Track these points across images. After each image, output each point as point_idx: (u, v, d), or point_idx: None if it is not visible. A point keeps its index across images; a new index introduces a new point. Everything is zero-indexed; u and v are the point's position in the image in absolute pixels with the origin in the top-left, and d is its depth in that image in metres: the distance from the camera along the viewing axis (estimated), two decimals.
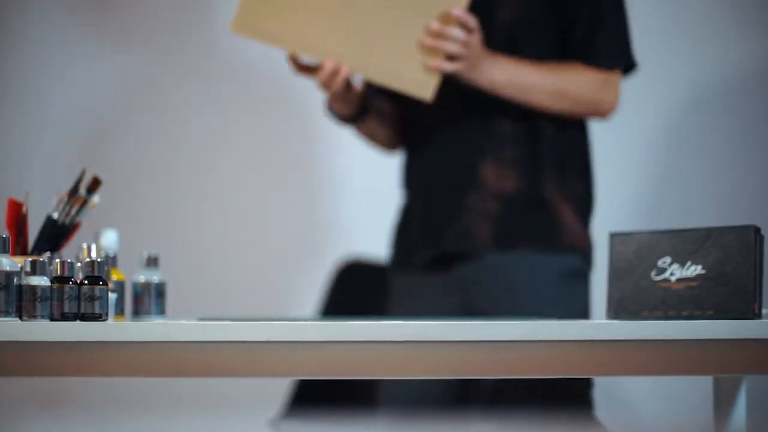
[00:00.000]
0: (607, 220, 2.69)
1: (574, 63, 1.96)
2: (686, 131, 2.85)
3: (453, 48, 1.86)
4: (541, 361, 1.27)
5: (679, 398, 2.75)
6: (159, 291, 1.65)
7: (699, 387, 2.61)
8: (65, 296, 1.31)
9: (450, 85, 1.90)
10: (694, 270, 1.46)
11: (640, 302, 1.51)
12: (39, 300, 1.30)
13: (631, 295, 1.52)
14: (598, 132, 2.81)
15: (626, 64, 2.01)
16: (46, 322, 1.29)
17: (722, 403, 1.63)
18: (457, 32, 1.86)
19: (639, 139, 2.84)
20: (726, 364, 1.30)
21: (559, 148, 1.97)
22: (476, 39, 1.88)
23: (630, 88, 2.83)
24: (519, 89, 1.92)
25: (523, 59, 1.93)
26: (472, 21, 1.87)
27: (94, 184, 1.57)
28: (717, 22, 2.85)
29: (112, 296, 1.56)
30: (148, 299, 1.65)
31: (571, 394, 1.95)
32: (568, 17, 1.97)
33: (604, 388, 2.76)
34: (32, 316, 1.30)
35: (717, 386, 1.63)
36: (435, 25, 1.86)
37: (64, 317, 1.31)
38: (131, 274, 1.67)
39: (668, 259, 1.49)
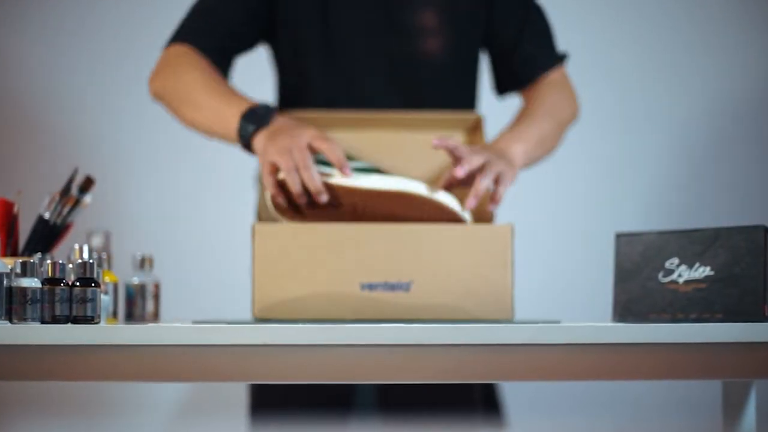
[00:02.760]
0: (613, 221, 2.69)
1: (534, 92, 1.97)
2: (692, 130, 2.85)
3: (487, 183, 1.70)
4: (544, 366, 1.27)
5: (687, 403, 2.75)
6: (153, 293, 1.65)
7: (707, 391, 2.61)
8: (56, 298, 1.31)
9: None
10: (702, 271, 1.46)
11: (646, 304, 1.50)
12: (29, 302, 1.29)
13: (638, 297, 1.51)
14: (603, 132, 2.81)
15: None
16: (37, 325, 1.28)
17: (731, 407, 1.62)
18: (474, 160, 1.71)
19: (643, 139, 2.84)
20: (735, 368, 1.29)
21: None
22: (485, 150, 1.74)
23: (636, 89, 2.84)
24: (538, 146, 1.88)
25: (515, 127, 1.89)
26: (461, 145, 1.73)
27: (87, 184, 1.57)
28: (728, 26, 2.85)
29: (105, 298, 1.55)
30: (142, 301, 1.65)
31: (476, 396, 1.95)
32: (504, 33, 1.97)
33: (611, 393, 2.76)
34: (22, 319, 1.29)
35: (726, 391, 1.63)
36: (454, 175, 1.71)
37: (56, 320, 1.31)
38: (124, 275, 1.67)
39: (676, 261, 1.49)
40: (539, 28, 2.00)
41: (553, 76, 1.98)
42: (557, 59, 1.99)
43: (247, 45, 1.96)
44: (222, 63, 1.91)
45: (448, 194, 1.68)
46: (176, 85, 1.85)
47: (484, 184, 1.68)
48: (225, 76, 1.92)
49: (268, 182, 1.66)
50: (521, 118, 1.91)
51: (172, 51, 1.89)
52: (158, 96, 1.89)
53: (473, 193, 1.67)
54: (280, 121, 1.74)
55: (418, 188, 1.65)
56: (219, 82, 1.83)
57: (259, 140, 1.72)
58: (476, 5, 1.96)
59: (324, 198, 1.62)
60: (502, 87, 2.02)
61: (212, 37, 1.90)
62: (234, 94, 1.80)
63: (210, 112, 1.80)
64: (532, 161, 1.88)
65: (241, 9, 1.92)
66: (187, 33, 1.90)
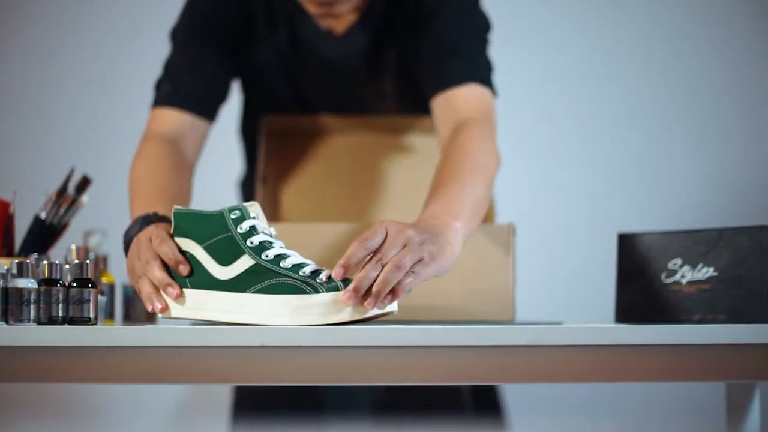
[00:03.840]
0: (615, 221, 2.69)
1: (454, 132, 1.69)
2: (697, 130, 2.85)
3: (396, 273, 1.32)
4: (545, 367, 1.27)
5: (691, 405, 2.74)
6: None
7: (711, 393, 2.61)
8: (53, 299, 1.31)
9: None
10: (706, 272, 1.46)
11: (649, 306, 1.50)
12: (26, 303, 1.29)
13: (641, 298, 1.51)
14: (606, 132, 2.81)
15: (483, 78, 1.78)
16: (33, 326, 1.28)
17: (735, 409, 1.62)
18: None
19: (646, 139, 2.84)
20: (739, 370, 1.29)
21: None
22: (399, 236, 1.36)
23: (640, 88, 2.84)
24: (473, 215, 1.52)
25: (443, 194, 1.53)
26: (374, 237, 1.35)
27: (84, 184, 1.57)
28: (731, 25, 2.85)
29: (102, 299, 1.55)
30: (139, 302, 1.64)
31: (477, 398, 1.95)
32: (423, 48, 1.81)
33: (613, 395, 2.76)
34: (18, 320, 1.29)
35: (729, 392, 1.63)
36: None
37: (52, 321, 1.31)
38: (121, 276, 1.67)
39: (679, 261, 1.48)
40: (456, 38, 1.79)
41: (470, 100, 1.73)
42: (473, 77, 1.74)
43: (227, 94, 1.92)
44: (208, 115, 1.85)
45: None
46: (131, 173, 1.74)
47: (367, 276, 1.31)
48: (212, 122, 1.86)
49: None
50: (447, 178, 1.57)
51: (152, 124, 1.84)
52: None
53: (352, 285, 1.31)
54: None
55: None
56: (150, 183, 1.70)
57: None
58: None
59: (160, 307, 1.39)
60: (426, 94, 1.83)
61: (196, 97, 1.83)
62: (148, 200, 1.62)
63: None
64: (468, 237, 1.50)
65: (215, 66, 1.88)
66: (171, 97, 1.83)
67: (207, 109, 1.85)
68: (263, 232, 1.32)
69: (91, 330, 1.26)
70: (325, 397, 1.94)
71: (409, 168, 1.88)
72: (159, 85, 1.87)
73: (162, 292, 1.37)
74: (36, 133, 2.77)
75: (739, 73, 2.84)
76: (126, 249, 1.49)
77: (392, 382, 1.28)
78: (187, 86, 1.84)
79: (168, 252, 1.38)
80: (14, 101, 2.79)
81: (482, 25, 1.81)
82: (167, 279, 1.37)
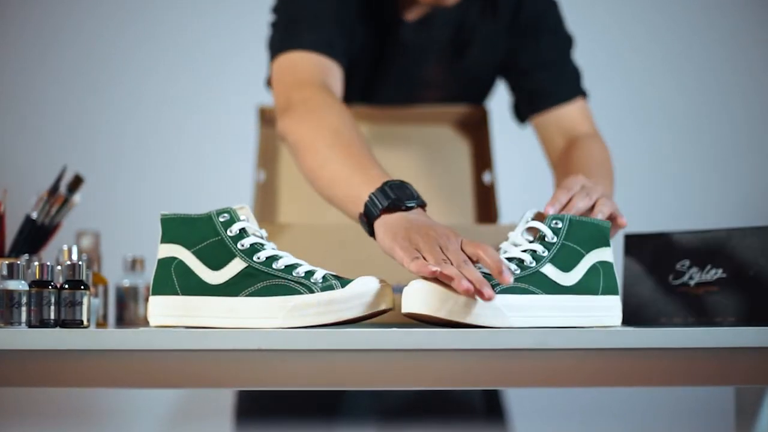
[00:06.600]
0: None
1: (574, 146, 1.86)
2: (702, 129, 2.85)
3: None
4: (550, 371, 1.27)
5: (699, 410, 2.74)
6: (144, 296, 1.65)
7: (720, 398, 2.61)
8: (44, 301, 1.30)
9: None
10: (714, 274, 1.45)
11: (657, 308, 1.50)
12: (16, 305, 1.29)
13: (648, 300, 1.51)
14: (611, 130, 2.81)
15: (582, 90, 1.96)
16: (24, 329, 1.28)
17: (744, 414, 1.62)
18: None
19: (653, 138, 2.85)
20: (748, 374, 1.29)
21: None
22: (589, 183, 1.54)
23: (644, 87, 2.84)
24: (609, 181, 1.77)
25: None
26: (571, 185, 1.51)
27: (76, 183, 1.57)
28: (732, 26, 2.86)
29: (94, 301, 1.55)
30: (133, 304, 1.64)
31: (480, 403, 1.96)
32: (519, 64, 1.96)
33: (620, 399, 2.76)
34: (9, 323, 1.29)
35: (739, 397, 1.63)
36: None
37: (43, 324, 1.31)
38: (114, 277, 1.67)
39: (687, 263, 1.48)
40: (553, 58, 1.95)
41: (574, 115, 1.91)
42: (578, 92, 1.91)
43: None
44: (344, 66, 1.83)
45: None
46: (315, 134, 1.64)
47: (580, 204, 1.47)
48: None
49: (415, 266, 1.32)
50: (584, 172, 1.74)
51: (292, 70, 1.77)
52: (286, 137, 1.70)
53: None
54: (414, 212, 1.44)
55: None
56: (356, 139, 1.62)
57: (388, 222, 1.43)
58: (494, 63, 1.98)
59: (490, 295, 1.29)
60: (520, 115, 1.97)
61: (339, 46, 1.81)
62: (369, 158, 1.57)
63: (339, 174, 1.57)
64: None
65: (346, 20, 1.88)
66: (314, 42, 1.78)
67: (344, 60, 1.82)
68: (254, 234, 1.32)
69: (84, 333, 1.26)
70: (330, 400, 1.95)
71: (408, 158, 1.88)
72: (288, 27, 1.81)
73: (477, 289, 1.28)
74: (27, 132, 2.77)
75: (746, 71, 2.84)
76: (371, 216, 1.42)
77: (393, 386, 1.28)
78: (332, 34, 1.80)
79: (495, 257, 1.31)
80: (5, 100, 2.79)
81: (569, 35, 1.97)
82: (484, 279, 1.28)
